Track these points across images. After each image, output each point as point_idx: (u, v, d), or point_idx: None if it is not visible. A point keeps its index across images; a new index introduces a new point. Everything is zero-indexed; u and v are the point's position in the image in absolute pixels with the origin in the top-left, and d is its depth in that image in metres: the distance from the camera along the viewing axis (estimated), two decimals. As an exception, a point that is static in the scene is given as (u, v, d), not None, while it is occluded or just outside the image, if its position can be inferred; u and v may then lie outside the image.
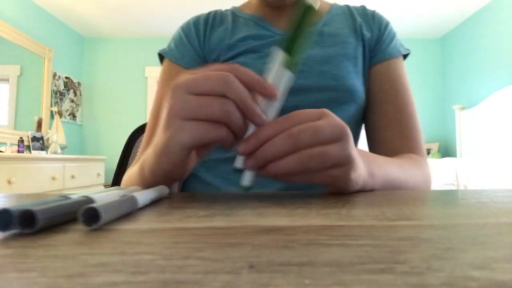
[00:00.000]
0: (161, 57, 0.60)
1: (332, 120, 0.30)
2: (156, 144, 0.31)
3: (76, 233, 0.16)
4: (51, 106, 3.35)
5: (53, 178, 2.52)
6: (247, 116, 0.29)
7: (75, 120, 3.77)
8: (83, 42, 3.95)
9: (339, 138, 0.29)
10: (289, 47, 0.30)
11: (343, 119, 0.52)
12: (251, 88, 0.29)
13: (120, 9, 3.32)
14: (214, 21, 0.61)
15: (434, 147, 3.74)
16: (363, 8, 0.64)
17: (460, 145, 3.34)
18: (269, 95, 0.29)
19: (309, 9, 0.29)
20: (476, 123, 3.12)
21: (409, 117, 0.57)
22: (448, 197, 0.29)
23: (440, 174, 2.14)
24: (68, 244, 0.13)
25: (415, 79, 3.94)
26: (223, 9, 0.65)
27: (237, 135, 0.29)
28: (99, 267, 0.11)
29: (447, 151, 3.79)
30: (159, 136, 0.30)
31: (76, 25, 3.67)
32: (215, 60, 0.57)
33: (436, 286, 0.09)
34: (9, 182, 2.09)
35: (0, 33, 2.68)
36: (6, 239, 0.14)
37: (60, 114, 3.47)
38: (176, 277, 0.10)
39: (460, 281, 0.09)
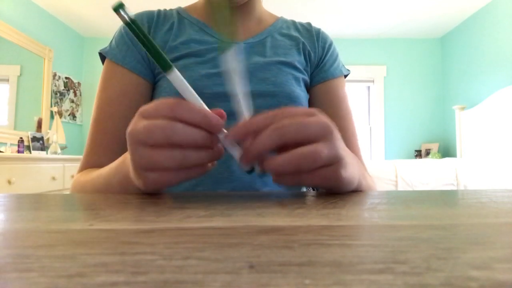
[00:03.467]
0: (103, 56, 0.58)
1: (320, 118, 0.30)
2: (132, 177, 0.33)
3: (76, 233, 0.16)
4: (51, 106, 3.35)
5: (53, 178, 2.52)
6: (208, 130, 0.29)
7: (75, 120, 3.77)
8: (83, 42, 3.95)
9: (325, 136, 0.29)
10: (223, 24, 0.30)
11: None
12: (197, 126, 0.29)
13: (120, 9, 3.32)
14: (158, 19, 0.59)
15: (434, 147, 3.74)
16: (308, 25, 0.66)
17: (460, 145, 3.34)
18: (214, 130, 0.29)
19: (129, 25, 0.29)
20: (476, 123, 3.12)
21: (351, 136, 0.59)
22: (448, 197, 0.29)
23: (440, 174, 2.13)
24: (68, 244, 0.13)
25: (415, 79, 3.95)
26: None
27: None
28: (99, 267, 0.11)
29: (447, 151, 3.79)
30: (132, 176, 0.32)
31: (76, 25, 3.67)
32: None
33: (436, 286, 0.09)
34: (9, 182, 2.09)
35: (0, 33, 2.68)
36: (6, 239, 0.14)
37: (60, 114, 3.47)
38: (176, 277, 0.10)
39: (460, 281, 0.09)
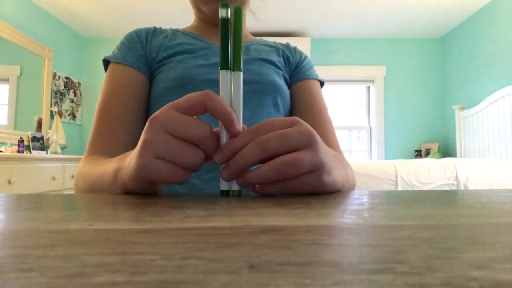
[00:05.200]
0: (106, 63, 0.65)
1: (301, 127, 0.31)
2: (129, 165, 0.32)
3: (76, 233, 0.16)
4: (51, 106, 3.35)
5: (53, 178, 2.52)
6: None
7: (75, 120, 3.77)
8: (83, 42, 3.95)
9: (307, 145, 0.30)
10: (229, 56, 0.33)
11: (269, 108, 0.61)
12: (220, 120, 0.30)
13: (120, 9, 3.32)
14: (154, 32, 0.68)
15: (434, 147, 3.74)
16: (287, 43, 0.77)
17: (460, 145, 3.34)
18: (233, 134, 0.31)
19: (225, 20, 0.33)
20: (476, 123, 3.12)
21: (328, 131, 0.64)
22: (448, 197, 0.29)
23: (440, 174, 2.13)
24: (68, 244, 0.13)
25: (415, 79, 3.95)
26: None
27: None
28: (99, 267, 0.11)
29: (447, 151, 3.79)
30: (132, 161, 0.31)
31: (76, 25, 3.67)
32: (155, 58, 0.64)
33: (436, 286, 0.09)
34: (9, 182, 2.09)
35: (0, 33, 2.68)
36: (6, 239, 0.14)
37: (60, 114, 3.47)
38: (176, 277, 0.10)
39: (460, 281, 0.09)
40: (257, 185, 0.32)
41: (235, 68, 0.33)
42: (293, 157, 0.29)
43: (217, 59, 0.63)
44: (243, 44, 0.68)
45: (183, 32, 0.69)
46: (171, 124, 0.29)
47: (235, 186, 0.32)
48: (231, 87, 0.32)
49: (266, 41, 0.76)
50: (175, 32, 0.69)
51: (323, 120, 0.65)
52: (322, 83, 0.73)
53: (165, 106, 0.30)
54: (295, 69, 0.71)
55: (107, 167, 0.41)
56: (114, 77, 0.61)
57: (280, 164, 0.29)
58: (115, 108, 0.59)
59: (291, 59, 0.71)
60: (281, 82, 0.65)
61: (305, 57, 0.74)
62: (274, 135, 0.30)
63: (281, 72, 0.68)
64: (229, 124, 0.30)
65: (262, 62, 0.66)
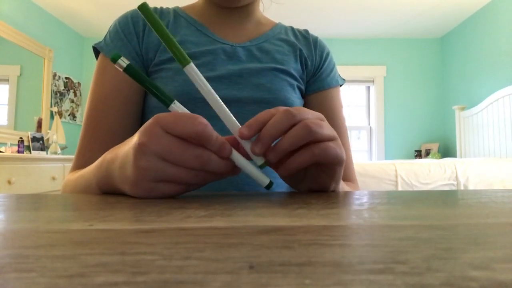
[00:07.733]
0: (97, 51, 0.57)
1: (327, 123, 0.33)
2: (122, 182, 0.31)
3: (76, 233, 0.16)
4: (51, 106, 3.35)
5: (53, 178, 2.52)
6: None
7: (75, 120, 3.76)
8: (83, 42, 3.95)
9: (336, 137, 0.33)
10: (174, 54, 0.31)
11: None
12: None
13: (121, 9, 3.32)
14: None
15: (434, 147, 3.74)
16: (306, 32, 0.66)
17: (460, 145, 3.34)
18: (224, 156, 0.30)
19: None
20: (476, 123, 3.12)
21: (344, 146, 0.60)
22: (448, 197, 0.29)
23: (440, 174, 2.13)
24: (68, 244, 0.13)
25: (415, 79, 3.95)
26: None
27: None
28: (99, 267, 0.11)
29: (447, 151, 3.79)
30: (125, 185, 0.30)
31: (76, 25, 3.67)
32: (151, 59, 0.56)
33: (436, 286, 0.09)
34: (9, 182, 2.09)
35: (0, 33, 2.68)
36: (6, 239, 0.14)
37: (60, 114, 3.47)
38: (176, 277, 0.10)
39: (460, 281, 0.09)
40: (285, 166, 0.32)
41: (185, 62, 0.31)
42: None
43: (224, 69, 0.55)
44: (257, 38, 0.61)
45: (187, 19, 0.60)
46: (165, 154, 0.27)
47: (261, 161, 0.32)
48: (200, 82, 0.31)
49: (284, 28, 0.66)
50: (178, 17, 0.60)
51: (340, 139, 0.59)
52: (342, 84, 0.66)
53: (152, 126, 0.28)
54: (314, 76, 0.63)
55: (92, 165, 0.39)
56: (105, 77, 0.54)
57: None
58: (104, 116, 0.53)
59: (309, 63, 0.62)
60: (294, 98, 0.58)
61: (327, 56, 0.64)
62: (316, 122, 0.31)
63: (295, 83, 0.60)
64: (223, 154, 0.29)
65: (274, 72, 0.57)
